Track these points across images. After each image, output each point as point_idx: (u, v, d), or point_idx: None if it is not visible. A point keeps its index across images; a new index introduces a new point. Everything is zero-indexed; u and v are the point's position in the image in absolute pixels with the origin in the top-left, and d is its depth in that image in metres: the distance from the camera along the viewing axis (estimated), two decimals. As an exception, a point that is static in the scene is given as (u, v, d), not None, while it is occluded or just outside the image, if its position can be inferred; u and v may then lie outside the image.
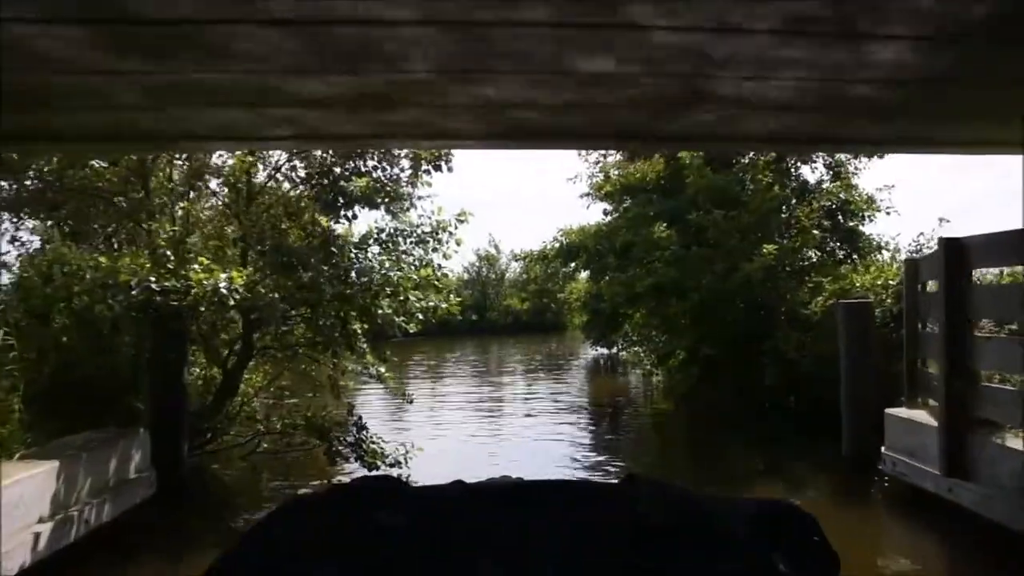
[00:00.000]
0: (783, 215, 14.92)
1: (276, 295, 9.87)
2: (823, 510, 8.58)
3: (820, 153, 15.43)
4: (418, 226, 11.37)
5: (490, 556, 1.59)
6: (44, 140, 5.12)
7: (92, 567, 6.77)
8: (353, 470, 10.21)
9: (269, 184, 11.29)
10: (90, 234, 11.04)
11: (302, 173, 11.19)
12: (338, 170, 11.01)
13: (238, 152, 10.47)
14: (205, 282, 8.33)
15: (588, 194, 19.09)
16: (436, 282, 11.35)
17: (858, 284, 12.41)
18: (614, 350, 24.37)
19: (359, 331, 10.72)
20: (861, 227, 15.73)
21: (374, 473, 9.50)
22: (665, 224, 15.34)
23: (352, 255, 10.70)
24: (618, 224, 17.28)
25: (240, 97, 3.93)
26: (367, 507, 1.72)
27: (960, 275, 7.82)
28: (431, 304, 11.08)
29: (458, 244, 11.45)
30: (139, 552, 7.30)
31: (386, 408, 14.88)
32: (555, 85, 3.92)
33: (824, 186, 16.10)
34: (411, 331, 10.95)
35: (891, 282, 11.89)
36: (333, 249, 10.48)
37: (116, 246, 10.75)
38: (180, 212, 10.66)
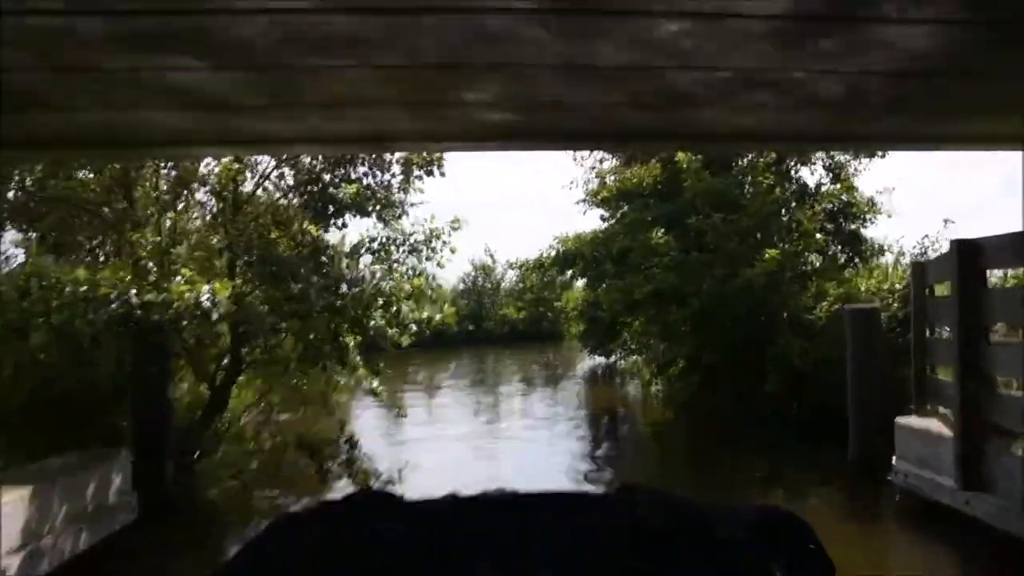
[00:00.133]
0: (784, 218, 14.64)
1: (264, 307, 9.61)
2: (832, 523, 8.39)
3: (830, 152, 15.19)
4: (411, 234, 11.12)
5: (488, 560, 1.56)
6: (41, 145, 4.74)
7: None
8: (345, 488, 9.90)
9: (257, 193, 10.97)
10: (74, 246, 10.74)
11: (291, 181, 10.89)
12: (327, 177, 10.69)
13: (224, 160, 10.22)
14: (187, 295, 8.01)
15: (584, 200, 18.86)
16: (430, 292, 11.10)
17: (863, 288, 12.16)
18: (612, 359, 24.12)
19: (351, 344, 10.46)
20: (863, 230, 15.49)
21: (368, 487, 9.29)
22: (663, 229, 15.06)
23: (343, 265, 10.42)
24: (615, 230, 17.00)
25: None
26: (361, 518, 1.70)
27: (974, 278, 7.53)
28: (425, 315, 10.81)
29: (452, 252, 11.23)
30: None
31: (380, 423, 14.56)
32: (551, 80, 3.60)
33: (824, 188, 15.89)
34: (404, 343, 10.68)
35: (897, 286, 11.65)
36: (323, 259, 10.21)
37: (103, 258, 10.45)
38: (166, 222, 10.35)
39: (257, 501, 10.14)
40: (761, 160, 14.55)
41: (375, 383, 11.07)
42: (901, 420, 8.76)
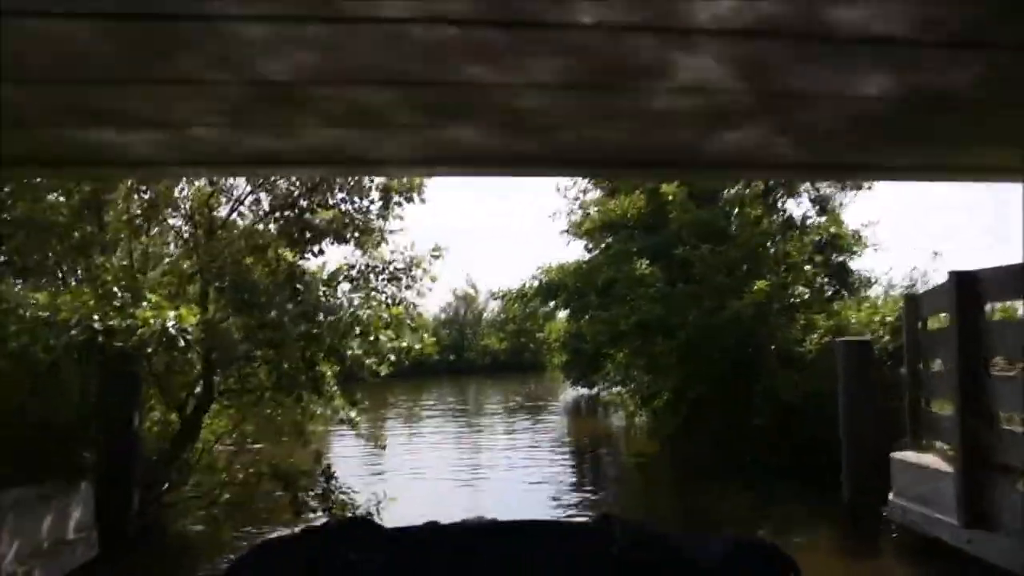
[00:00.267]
0: (771, 250, 14.45)
1: (238, 335, 9.29)
2: (828, 559, 8.10)
3: (815, 184, 15.08)
4: (390, 262, 10.82)
5: None
6: (39, 164, 4.35)
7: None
8: (321, 521, 9.54)
9: (232, 218, 10.64)
10: (41, 270, 10.36)
11: (266, 206, 10.55)
12: (304, 203, 10.35)
13: (198, 183, 9.93)
14: (153, 321, 7.64)
15: (568, 231, 18.65)
16: (409, 321, 10.80)
17: (853, 321, 11.93)
18: (595, 390, 23.88)
19: (328, 373, 10.14)
20: (849, 262, 15.34)
21: (347, 515, 9.20)
22: (648, 260, 14.82)
23: (320, 292, 10.10)
24: (599, 261, 16.77)
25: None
26: (339, 547, 1.71)
27: (973, 310, 7.29)
28: (404, 344, 10.50)
29: (433, 281, 10.94)
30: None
31: (358, 453, 14.18)
32: (574, 98, 3.26)
33: (810, 221, 15.77)
34: (382, 373, 10.36)
35: (889, 318, 11.42)
36: (299, 286, 9.88)
37: (75, 282, 10.08)
38: (135, 246, 10.00)
39: (228, 534, 9.79)
40: (748, 191, 14.38)
41: (352, 413, 10.73)
42: (897, 455, 8.49)
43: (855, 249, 15.20)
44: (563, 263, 18.49)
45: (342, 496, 9.95)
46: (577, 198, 18.71)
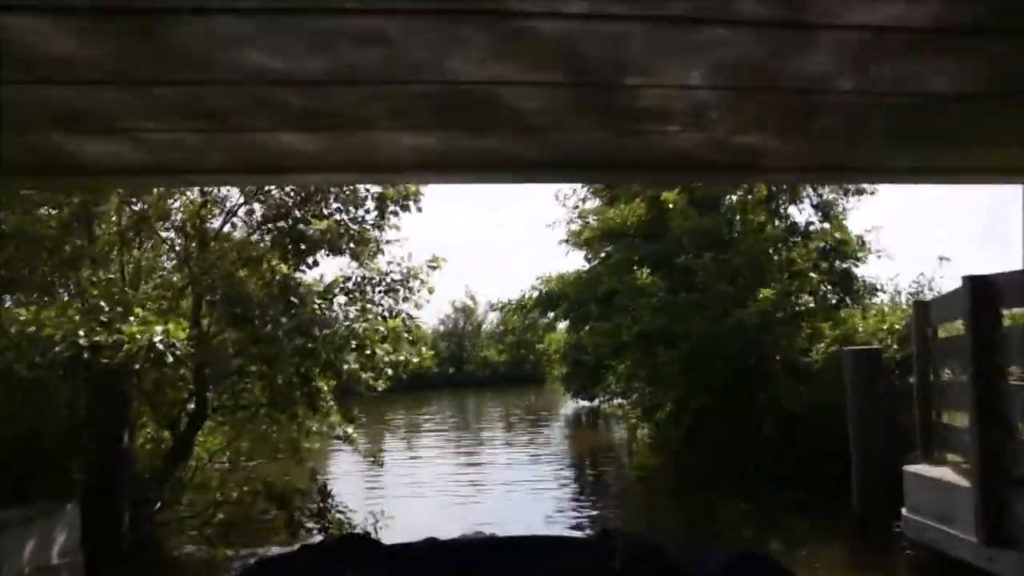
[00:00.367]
0: (775, 257, 14.21)
1: (232, 350, 9.05)
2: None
3: (817, 189, 14.85)
4: (387, 273, 10.58)
5: None
6: (55, 173, 4.06)
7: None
8: (318, 539, 9.27)
9: (225, 229, 10.40)
10: (30, 284, 10.12)
11: (259, 217, 10.30)
12: (298, 213, 10.11)
13: (190, 194, 9.71)
14: (140, 336, 7.38)
15: (567, 240, 18.43)
16: (407, 334, 10.56)
17: (860, 329, 11.69)
18: (596, 402, 23.63)
19: (324, 388, 9.90)
20: (854, 269, 15.10)
21: (345, 532, 8.92)
22: (649, 269, 14.58)
23: (315, 305, 9.86)
24: (599, 270, 16.53)
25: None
26: (337, 565, 1.71)
27: (989, 316, 7.04)
28: (401, 358, 10.26)
29: (430, 292, 10.70)
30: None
31: (355, 469, 13.92)
32: (600, 99, 3.02)
33: (812, 227, 15.55)
34: (380, 388, 10.12)
35: (897, 326, 11.19)
36: (293, 299, 9.63)
37: (66, 297, 9.83)
38: (126, 259, 9.77)
39: (222, 553, 9.51)
40: (751, 197, 14.15)
41: (349, 429, 10.49)
42: (910, 468, 8.21)
43: (859, 255, 14.95)
44: (563, 273, 18.30)
45: (338, 515, 9.70)
46: (576, 207, 18.54)
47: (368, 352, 9.80)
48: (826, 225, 15.36)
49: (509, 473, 15.11)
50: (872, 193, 15.56)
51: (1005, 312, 9.41)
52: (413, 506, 11.58)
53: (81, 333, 7.37)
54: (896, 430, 9.31)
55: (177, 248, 10.39)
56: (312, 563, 1.76)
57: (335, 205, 10.24)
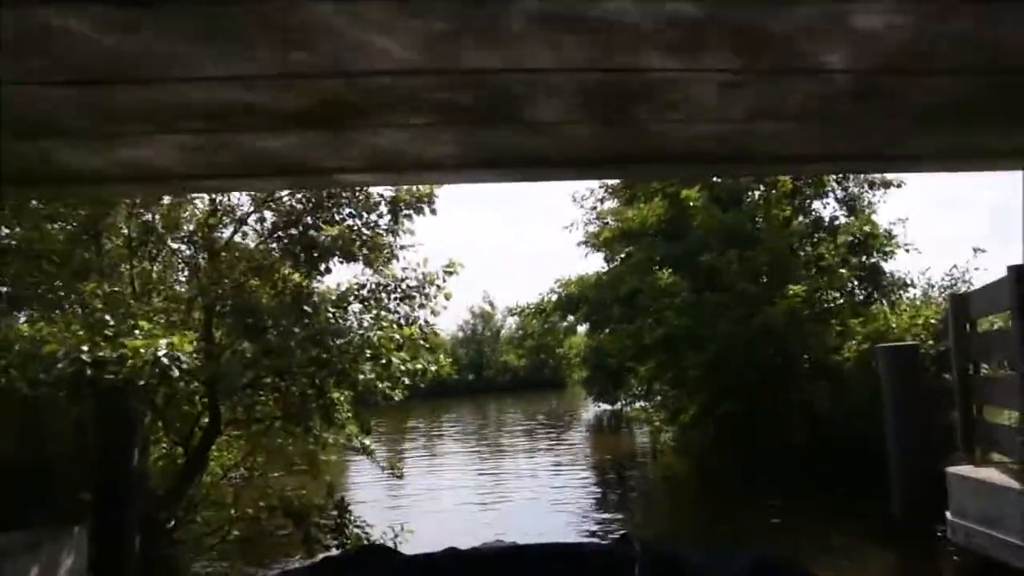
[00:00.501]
0: (802, 253, 13.85)
1: (244, 362, 8.78)
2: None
3: (843, 182, 14.48)
4: (403, 280, 10.27)
5: None
6: (48, 181, 3.84)
7: None
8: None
9: (235, 238, 10.13)
10: (37, 299, 9.89)
11: (270, 225, 10.03)
12: (309, 219, 9.81)
13: (200, 204, 9.50)
14: (143, 350, 7.08)
15: (585, 242, 18.11)
16: (423, 341, 10.24)
17: (894, 325, 11.31)
18: (617, 406, 23.36)
19: (340, 399, 9.61)
20: (883, 263, 14.70)
21: (364, 544, 8.87)
22: (671, 269, 14.24)
23: (329, 314, 9.57)
24: (619, 271, 16.20)
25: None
26: (361, 573, 1.76)
27: (1039, 307, 6.70)
28: (419, 366, 9.95)
29: (447, 298, 10.38)
30: None
31: (373, 481, 13.65)
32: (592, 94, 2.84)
33: (838, 221, 15.16)
34: (397, 398, 9.81)
35: (932, 321, 10.81)
36: (306, 308, 9.35)
37: (73, 312, 9.59)
38: (132, 271, 9.52)
39: (238, 571, 9.34)
40: (774, 191, 13.79)
41: (366, 440, 10.20)
42: (953, 470, 7.83)
43: (888, 249, 14.54)
44: (582, 275, 18.00)
45: (356, 529, 9.43)
46: (594, 207, 18.24)
47: (384, 361, 9.48)
48: (852, 219, 14.96)
49: (530, 481, 14.89)
50: (899, 186, 15.15)
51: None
52: (434, 518, 11.33)
53: (84, 348, 7.09)
54: (935, 429, 8.96)
55: (187, 259, 10.14)
56: (333, 573, 1.79)
57: (347, 210, 9.95)
